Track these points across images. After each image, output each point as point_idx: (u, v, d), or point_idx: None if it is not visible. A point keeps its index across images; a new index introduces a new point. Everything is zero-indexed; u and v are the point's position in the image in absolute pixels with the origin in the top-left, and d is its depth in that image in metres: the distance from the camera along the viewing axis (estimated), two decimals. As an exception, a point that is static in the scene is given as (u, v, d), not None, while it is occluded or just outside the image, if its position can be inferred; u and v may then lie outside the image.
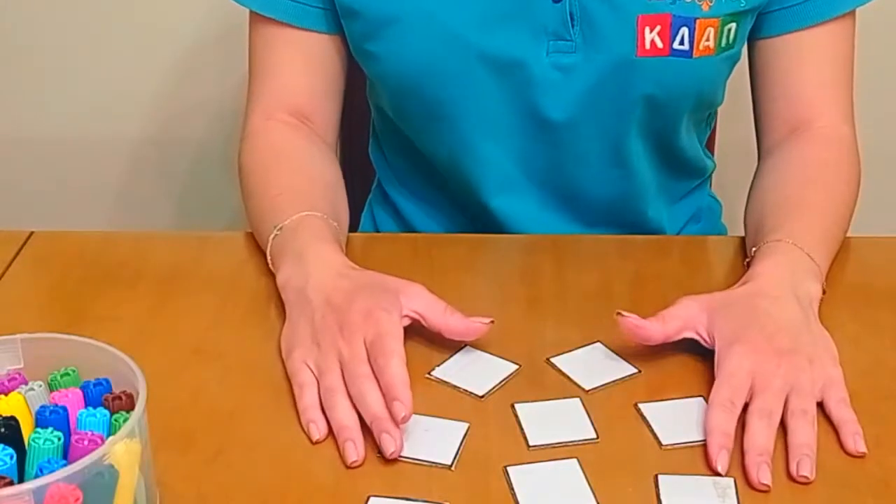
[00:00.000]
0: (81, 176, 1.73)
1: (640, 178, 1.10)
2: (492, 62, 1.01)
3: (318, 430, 0.78)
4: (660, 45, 1.00)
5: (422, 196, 1.17)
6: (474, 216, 1.12)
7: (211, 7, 1.58)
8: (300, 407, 0.80)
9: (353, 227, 1.31)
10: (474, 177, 1.08)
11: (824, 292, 0.90)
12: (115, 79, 1.65)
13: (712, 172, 1.24)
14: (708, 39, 1.01)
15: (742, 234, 1.04)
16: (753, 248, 0.94)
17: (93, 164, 1.72)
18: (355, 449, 0.75)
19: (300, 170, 1.03)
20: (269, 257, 0.95)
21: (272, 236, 0.94)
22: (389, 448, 0.75)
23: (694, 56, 1.00)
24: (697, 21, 0.99)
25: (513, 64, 1.01)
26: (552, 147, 1.06)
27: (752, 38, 1.07)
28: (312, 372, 0.81)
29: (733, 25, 1.01)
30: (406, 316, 0.84)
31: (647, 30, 0.99)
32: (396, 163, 1.18)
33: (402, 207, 1.18)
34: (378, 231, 1.22)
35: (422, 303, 0.85)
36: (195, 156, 1.71)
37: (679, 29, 0.99)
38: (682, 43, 1.00)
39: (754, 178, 1.07)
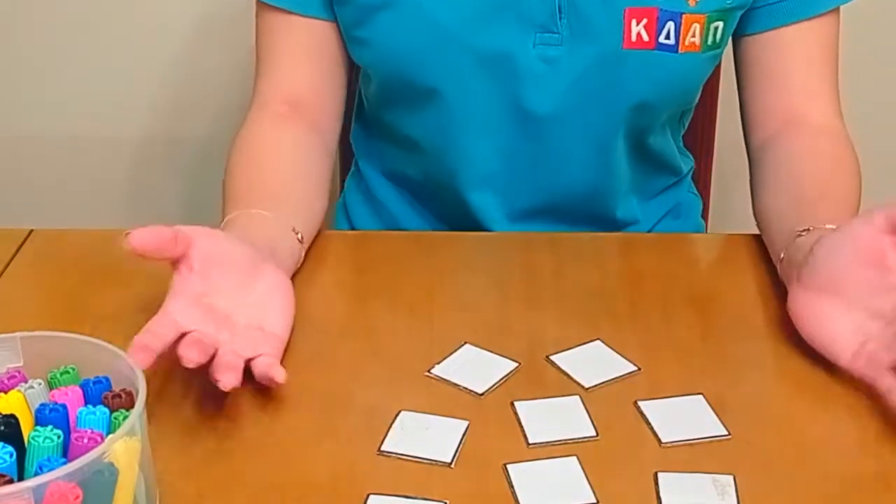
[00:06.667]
0: (85, 174, 1.72)
1: (618, 175, 1.11)
2: (478, 53, 1.02)
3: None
4: (646, 38, 1.00)
5: (400, 182, 1.18)
6: (450, 206, 1.12)
7: (215, 2, 1.58)
8: None
9: (329, 210, 1.31)
10: (455, 168, 1.09)
11: None
12: (118, 76, 1.65)
13: (691, 170, 1.25)
14: (694, 36, 1.01)
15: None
16: (797, 236, 0.92)
17: (96, 162, 1.72)
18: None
19: (254, 163, 1.03)
20: None
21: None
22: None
23: (679, 51, 1.01)
24: (683, 16, 1.00)
25: (499, 55, 1.02)
26: (535, 141, 1.07)
27: (738, 35, 1.07)
28: None
29: (720, 24, 1.02)
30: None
31: (633, 22, 1.00)
32: (380, 147, 1.19)
33: (377, 191, 1.19)
34: (349, 215, 1.22)
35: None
36: (198, 154, 1.71)
37: (665, 23, 1.00)
38: (667, 37, 1.01)
39: (759, 170, 1.07)
